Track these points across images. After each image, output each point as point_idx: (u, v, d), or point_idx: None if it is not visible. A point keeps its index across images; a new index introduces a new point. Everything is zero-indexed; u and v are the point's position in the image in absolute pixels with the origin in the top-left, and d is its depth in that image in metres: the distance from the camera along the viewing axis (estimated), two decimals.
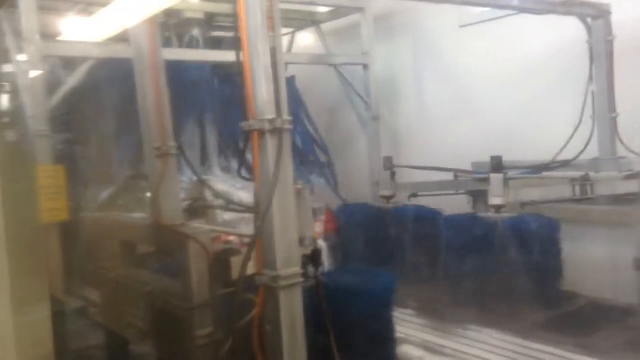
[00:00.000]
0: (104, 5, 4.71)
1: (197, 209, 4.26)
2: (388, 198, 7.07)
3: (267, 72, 3.07)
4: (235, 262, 3.89)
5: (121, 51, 5.82)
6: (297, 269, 3.26)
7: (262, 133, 3.10)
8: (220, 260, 3.88)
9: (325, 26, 8.39)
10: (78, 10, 6.64)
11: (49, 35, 5.73)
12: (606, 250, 6.68)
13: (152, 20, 3.69)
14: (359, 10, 7.89)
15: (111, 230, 4.90)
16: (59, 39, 5.90)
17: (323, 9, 8.15)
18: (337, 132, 9.05)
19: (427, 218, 6.91)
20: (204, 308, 3.67)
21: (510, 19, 7.22)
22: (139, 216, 4.51)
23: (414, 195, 6.93)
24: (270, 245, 3.21)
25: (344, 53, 8.16)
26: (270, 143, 3.11)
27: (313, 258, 3.41)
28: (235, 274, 3.79)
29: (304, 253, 3.36)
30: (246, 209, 3.87)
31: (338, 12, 8.13)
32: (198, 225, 3.96)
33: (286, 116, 3.12)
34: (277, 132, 3.11)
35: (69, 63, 6.10)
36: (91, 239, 5.02)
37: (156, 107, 3.70)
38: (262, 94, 3.08)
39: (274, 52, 3.06)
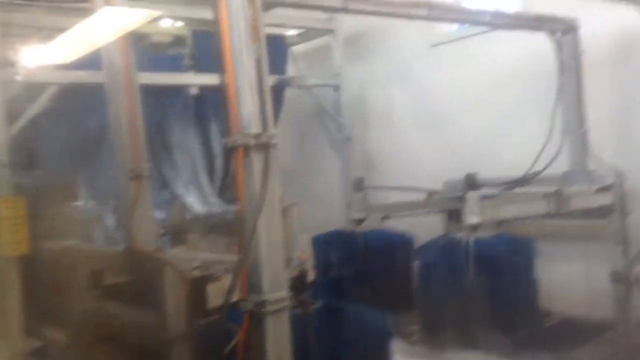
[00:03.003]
0: (65, 30, 4.54)
1: (177, 233, 4.03)
2: (359, 221, 6.94)
3: (252, 85, 2.92)
4: (213, 289, 3.66)
5: (84, 76, 5.66)
6: (284, 293, 3.07)
7: (247, 148, 2.93)
8: (196, 288, 3.64)
9: (296, 48, 8.33)
10: (42, 37, 6.39)
11: (10, 62, 5.50)
12: (581, 265, 6.69)
13: (126, 39, 3.52)
14: (329, 32, 7.90)
15: (77, 260, 4.60)
16: (21, 64, 5.66)
17: (293, 32, 8.09)
18: (309, 154, 8.93)
19: (399, 243, 6.84)
20: (182, 339, 3.42)
21: (479, 37, 7.30)
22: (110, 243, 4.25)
23: (387, 217, 6.80)
24: (256, 268, 3.02)
25: (315, 75, 8.09)
26: (256, 159, 2.94)
27: (300, 280, 3.22)
28: (212, 302, 3.58)
29: (290, 275, 3.17)
30: (230, 231, 3.67)
31: (308, 35, 8.11)
32: (175, 251, 3.73)
33: (273, 130, 2.96)
34: (263, 147, 2.95)
35: (32, 90, 5.85)
36: (55, 270, 4.70)
37: (130, 128, 3.50)
38: (247, 107, 2.92)
39: (258, 63, 2.92)
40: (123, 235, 3.74)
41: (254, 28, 2.93)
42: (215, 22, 3.07)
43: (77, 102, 6.11)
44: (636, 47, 6.07)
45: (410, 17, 5.23)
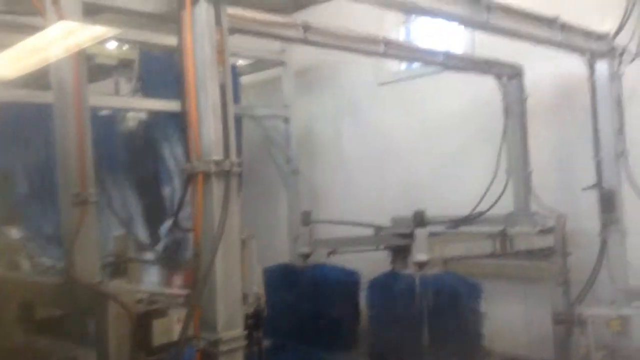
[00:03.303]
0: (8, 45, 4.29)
1: (120, 265, 3.78)
2: (305, 256, 6.82)
3: (216, 110, 2.79)
4: (159, 325, 3.44)
5: (28, 95, 5.36)
6: (239, 331, 2.90)
7: (207, 176, 2.79)
8: (142, 324, 3.41)
9: (246, 79, 8.24)
10: None
11: None
12: (523, 305, 6.79)
13: (78, 55, 3.32)
14: (280, 64, 7.86)
15: (7, 291, 4.25)
16: None
17: (243, 62, 8.01)
18: (256, 185, 8.78)
19: (346, 280, 6.76)
20: None
21: (426, 78, 7.46)
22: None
23: (333, 253, 6.71)
24: (211, 304, 2.84)
25: (265, 105, 8.02)
26: (216, 187, 2.79)
27: (256, 318, 3.06)
28: (157, 339, 3.36)
29: (246, 312, 3.01)
30: (182, 264, 3.47)
31: (258, 65, 8.05)
32: (119, 284, 3.49)
33: (235, 158, 2.83)
34: (224, 174, 2.81)
35: None
36: None
37: (78, 150, 3.27)
38: (209, 132, 2.79)
39: (223, 88, 2.80)
40: (63, 264, 3.46)
41: (220, 52, 2.82)
42: (178, 46, 2.95)
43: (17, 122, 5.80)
44: (577, 95, 6.31)
45: (367, 52, 5.27)
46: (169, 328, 3.36)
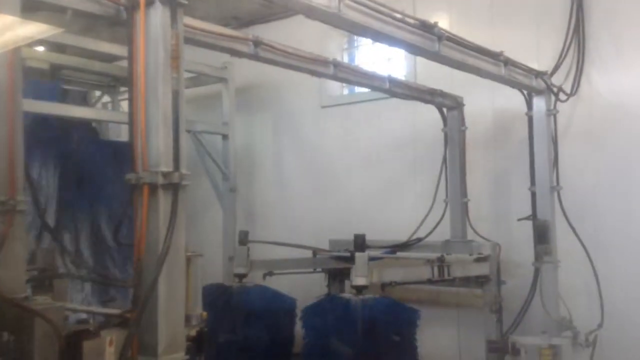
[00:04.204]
0: None
1: (44, 280, 3.49)
2: (241, 276, 6.62)
3: (167, 118, 2.64)
4: (90, 346, 3.19)
5: None
6: (181, 355, 2.73)
7: (153, 187, 2.62)
8: (70, 344, 3.15)
9: (185, 92, 8.00)
10: None
11: None
12: (458, 331, 6.86)
13: (14, 53, 3.08)
14: (221, 80, 7.73)
15: None
16: None
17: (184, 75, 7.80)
18: (191, 202, 8.51)
19: (282, 302, 6.61)
20: None
21: (370, 103, 7.52)
22: None
23: (270, 274, 6.56)
24: (151, 326, 2.66)
25: (203, 121, 7.82)
26: (163, 200, 2.63)
27: (199, 341, 2.89)
28: None
29: (188, 334, 2.83)
30: (119, 281, 3.24)
31: (199, 80, 7.86)
32: (47, 300, 3.22)
33: (185, 170, 2.68)
34: (172, 187, 2.65)
35: None
36: None
37: (8, 153, 3.02)
38: (157, 142, 2.63)
39: (175, 95, 2.65)
40: None
41: (175, 58, 2.68)
42: (128, 47, 2.79)
43: None
44: (513, 128, 6.52)
45: (316, 73, 5.23)
46: (101, 350, 3.12)
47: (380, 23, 3.95)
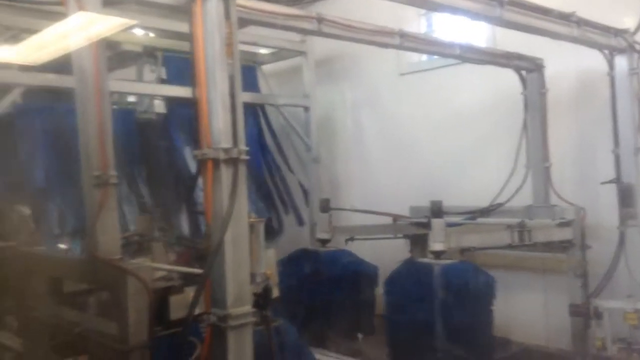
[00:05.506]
0: (36, 31, 4.49)
1: (142, 244, 3.98)
2: (324, 241, 6.97)
3: (225, 100, 2.95)
4: (176, 301, 3.63)
5: (53, 80, 5.61)
6: (248, 308, 3.08)
7: (216, 162, 2.95)
8: (159, 299, 3.61)
9: (267, 67, 8.39)
10: (9, 36, 6.31)
11: None
12: (541, 296, 6.82)
13: (98, 43, 3.50)
14: (301, 53, 7.96)
15: (37, 266, 4.50)
16: None
17: (265, 51, 8.16)
18: None
19: (363, 266, 6.87)
20: (141, 350, 3.37)
21: (448, 69, 7.48)
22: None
23: (351, 239, 6.83)
24: (221, 282, 3.02)
25: (285, 94, 8.15)
26: (225, 173, 2.96)
27: (264, 297, 3.23)
28: (174, 313, 3.54)
29: (254, 291, 3.18)
30: (199, 244, 3.64)
31: (280, 55, 8.17)
32: (139, 261, 3.69)
33: (243, 146, 2.99)
34: (232, 162, 2.97)
35: None
36: (11, 275, 4.59)
37: (98, 133, 3.46)
38: (218, 121, 2.95)
39: (232, 80, 2.95)
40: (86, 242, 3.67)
41: (229, 45, 2.97)
42: (189, 37, 3.11)
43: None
44: (597, 89, 6.29)
45: (382, 44, 5.34)
46: (185, 304, 3.54)
47: None
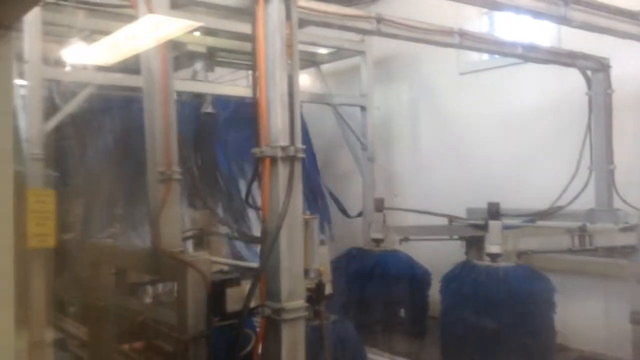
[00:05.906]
0: (107, 33, 4.71)
1: (202, 238, 4.15)
2: (378, 241, 6.98)
3: (283, 99, 3.04)
4: (232, 293, 3.75)
5: (122, 79, 5.87)
6: (301, 302, 3.16)
7: (274, 160, 3.05)
8: (217, 291, 3.74)
9: (325, 67, 8.47)
10: (82, 37, 6.63)
11: (50, 60, 5.72)
12: (601, 303, 6.63)
13: (164, 46, 3.67)
14: (359, 53, 7.99)
15: (103, 257, 4.74)
16: (60, 63, 5.88)
17: (324, 50, 8.24)
18: (332, 171, 9.03)
19: (417, 267, 6.86)
20: (200, 340, 3.52)
21: (509, 68, 7.34)
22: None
23: (406, 239, 6.80)
24: (275, 276, 3.11)
25: (343, 93, 8.21)
26: (282, 171, 3.05)
27: (317, 292, 3.30)
28: (230, 305, 3.66)
29: (308, 286, 3.26)
30: (253, 238, 3.77)
31: (338, 54, 8.23)
32: (198, 254, 3.84)
33: (299, 144, 3.07)
34: (289, 159, 3.06)
35: (67, 89, 6.06)
36: (81, 266, 4.85)
37: (163, 131, 3.64)
38: (276, 120, 3.04)
39: (291, 80, 3.04)
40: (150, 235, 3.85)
41: (289, 46, 3.05)
42: (251, 38, 3.21)
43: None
44: None
45: (441, 44, 5.32)
46: (241, 297, 3.66)
47: None
